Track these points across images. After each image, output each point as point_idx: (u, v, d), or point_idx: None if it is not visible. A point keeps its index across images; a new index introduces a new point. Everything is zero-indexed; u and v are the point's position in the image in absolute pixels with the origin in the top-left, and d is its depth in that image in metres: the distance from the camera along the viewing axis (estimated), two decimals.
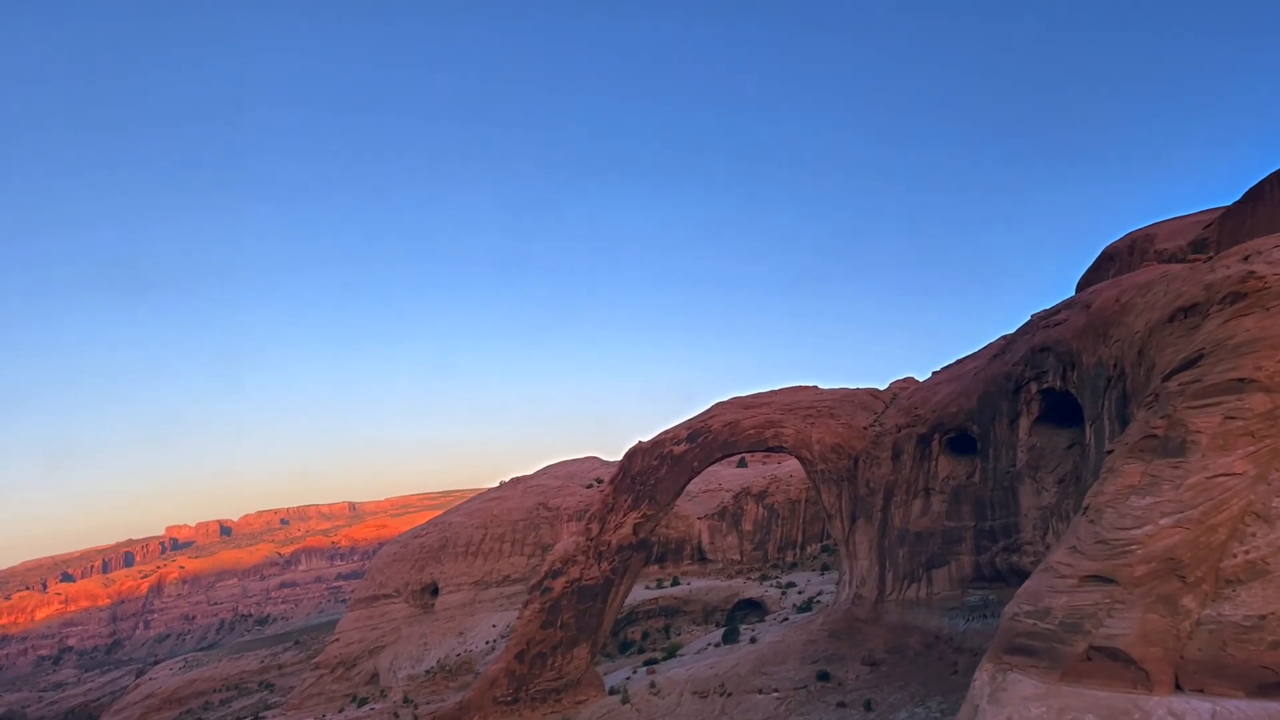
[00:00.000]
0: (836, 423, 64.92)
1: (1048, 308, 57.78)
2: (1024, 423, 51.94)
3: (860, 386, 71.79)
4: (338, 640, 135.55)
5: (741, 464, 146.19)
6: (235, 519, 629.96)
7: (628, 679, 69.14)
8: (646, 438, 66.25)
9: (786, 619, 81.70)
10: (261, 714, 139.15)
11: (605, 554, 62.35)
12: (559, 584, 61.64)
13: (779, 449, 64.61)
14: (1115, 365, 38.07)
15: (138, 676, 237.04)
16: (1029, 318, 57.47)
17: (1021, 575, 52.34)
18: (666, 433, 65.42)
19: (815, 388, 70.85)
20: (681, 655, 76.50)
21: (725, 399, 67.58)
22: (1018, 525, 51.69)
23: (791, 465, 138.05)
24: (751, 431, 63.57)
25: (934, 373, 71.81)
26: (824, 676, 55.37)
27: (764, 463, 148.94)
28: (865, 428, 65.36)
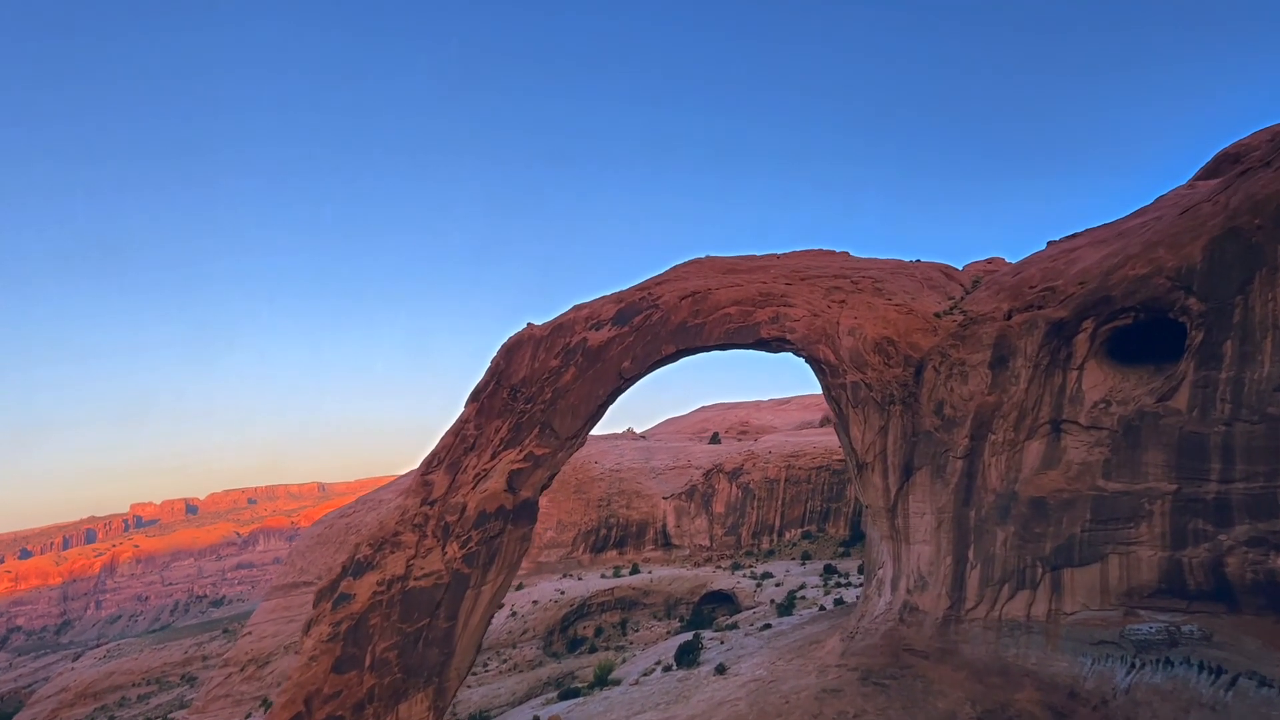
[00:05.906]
0: (886, 304, 35.86)
1: None
2: None
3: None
4: (249, 634, 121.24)
5: (714, 439, 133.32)
6: (202, 498, 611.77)
7: None
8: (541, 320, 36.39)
9: (768, 625, 57.05)
10: (172, 715, 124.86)
11: (455, 528, 33.34)
12: (365, 588, 32.63)
13: (779, 343, 35.28)
14: None
15: (74, 661, 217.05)
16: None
17: None
18: (579, 309, 35.89)
19: (846, 254, 41.28)
20: (611, 688, 47.89)
21: (689, 260, 38.05)
22: None
23: (770, 441, 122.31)
24: (731, 310, 34.24)
25: (1050, 243, 42.76)
26: None
27: (739, 439, 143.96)
28: (938, 315, 36.39)
